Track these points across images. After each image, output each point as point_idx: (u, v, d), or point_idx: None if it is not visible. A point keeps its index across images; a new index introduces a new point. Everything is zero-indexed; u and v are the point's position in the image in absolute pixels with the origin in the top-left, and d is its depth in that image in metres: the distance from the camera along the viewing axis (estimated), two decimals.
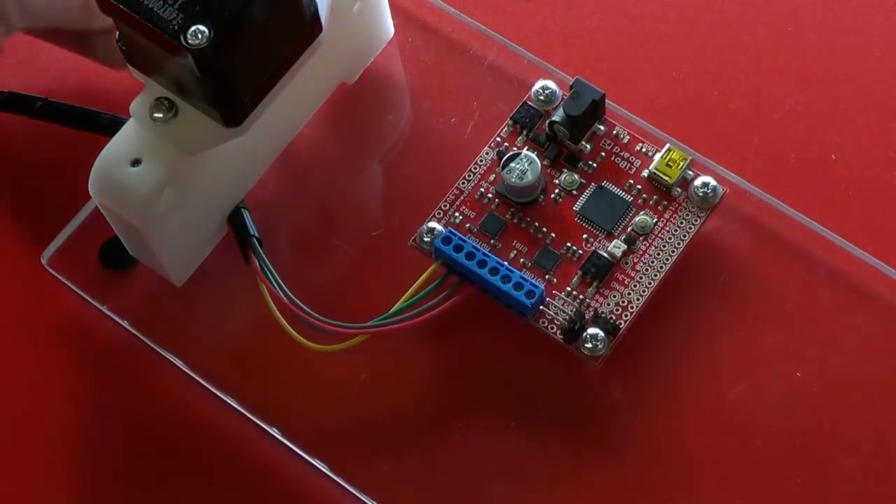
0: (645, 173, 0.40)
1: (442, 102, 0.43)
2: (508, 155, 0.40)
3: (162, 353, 0.40)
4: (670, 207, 0.40)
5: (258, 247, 0.39)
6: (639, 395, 0.39)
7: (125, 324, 0.40)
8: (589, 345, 0.38)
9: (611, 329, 0.38)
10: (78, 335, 0.41)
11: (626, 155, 0.40)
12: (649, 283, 0.39)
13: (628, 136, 0.41)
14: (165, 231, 0.37)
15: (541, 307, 0.38)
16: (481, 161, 0.41)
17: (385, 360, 0.39)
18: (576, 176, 0.40)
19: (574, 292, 0.39)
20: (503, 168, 0.39)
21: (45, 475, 0.39)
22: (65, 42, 0.43)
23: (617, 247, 0.39)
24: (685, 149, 0.40)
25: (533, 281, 0.38)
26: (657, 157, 0.40)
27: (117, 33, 0.35)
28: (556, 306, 0.38)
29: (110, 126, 0.37)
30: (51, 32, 0.42)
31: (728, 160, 0.41)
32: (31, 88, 0.41)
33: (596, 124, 0.41)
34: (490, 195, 0.40)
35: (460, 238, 0.38)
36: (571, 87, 0.40)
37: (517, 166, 0.39)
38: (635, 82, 0.43)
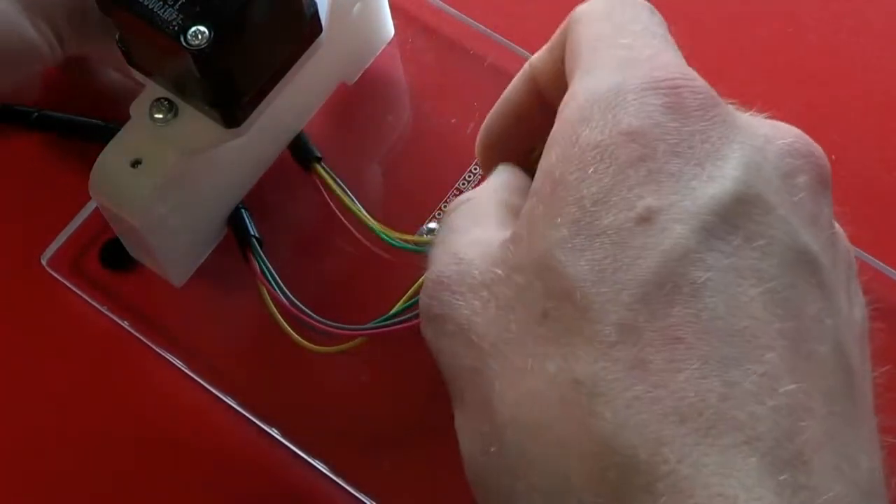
0: None
1: (442, 103, 0.43)
2: None
3: (162, 353, 0.40)
4: None
5: (258, 247, 0.39)
6: None
7: (125, 324, 0.40)
8: None
9: None
10: (78, 335, 0.41)
11: None
12: None
13: None
14: (165, 231, 0.37)
15: None
16: None
17: (384, 362, 0.39)
18: None
19: None
20: None
21: (45, 475, 0.39)
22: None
23: None
24: None
25: None
26: None
27: (117, 34, 0.35)
28: None
29: (106, 134, 0.37)
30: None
31: None
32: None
33: None
34: None
35: None
36: None
37: None
38: None
